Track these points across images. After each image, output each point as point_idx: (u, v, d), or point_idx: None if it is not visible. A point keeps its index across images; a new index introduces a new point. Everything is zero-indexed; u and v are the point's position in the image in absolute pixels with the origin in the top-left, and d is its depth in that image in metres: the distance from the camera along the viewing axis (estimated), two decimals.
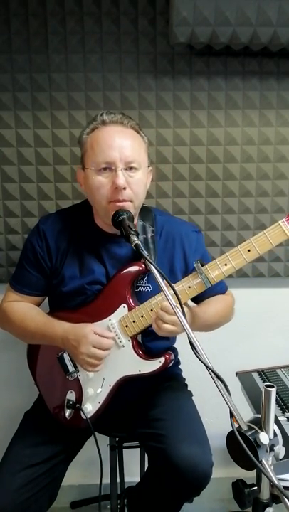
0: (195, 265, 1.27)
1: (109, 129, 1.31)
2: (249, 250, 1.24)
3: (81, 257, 1.41)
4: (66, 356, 1.41)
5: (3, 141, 1.74)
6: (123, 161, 1.28)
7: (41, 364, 1.51)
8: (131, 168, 1.30)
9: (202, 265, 1.27)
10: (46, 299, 1.53)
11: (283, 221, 1.23)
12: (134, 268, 1.36)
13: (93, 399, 1.38)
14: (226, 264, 1.26)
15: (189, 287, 1.29)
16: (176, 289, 1.10)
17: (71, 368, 1.41)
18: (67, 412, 1.39)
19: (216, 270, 1.27)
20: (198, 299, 1.47)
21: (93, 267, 1.40)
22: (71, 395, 1.41)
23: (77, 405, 1.39)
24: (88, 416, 1.37)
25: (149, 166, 1.41)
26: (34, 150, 1.75)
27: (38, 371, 1.52)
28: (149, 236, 1.43)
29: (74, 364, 1.41)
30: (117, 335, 1.35)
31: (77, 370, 1.41)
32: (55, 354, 1.43)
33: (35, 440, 1.39)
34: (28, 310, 1.45)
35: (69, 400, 1.40)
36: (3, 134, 1.74)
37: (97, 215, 1.41)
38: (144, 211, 1.47)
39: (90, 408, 1.38)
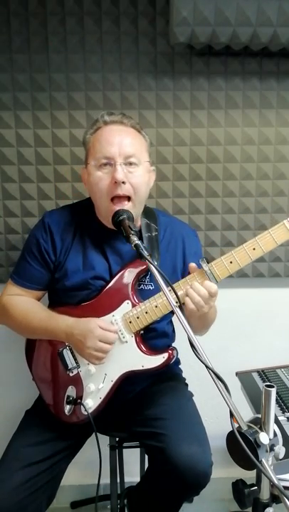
0: (201, 262, 1.28)
1: (110, 128, 1.36)
2: (254, 248, 1.27)
3: (85, 252, 1.43)
4: (66, 352, 1.42)
5: (3, 141, 1.74)
6: (122, 155, 1.31)
7: (39, 360, 1.51)
8: (131, 163, 1.33)
9: (208, 262, 1.28)
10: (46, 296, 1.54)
11: (288, 220, 1.26)
12: (138, 265, 1.38)
13: (95, 394, 1.38)
14: (231, 262, 1.28)
15: None
16: (176, 287, 1.11)
17: (71, 364, 1.41)
18: (67, 408, 1.40)
19: (222, 268, 1.28)
20: None
21: (97, 262, 1.42)
22: (71, 391, 1.41)
23: (78, 401, 1.39)
24: (89, 411, 1.37)
25: (151, 165, 1.43)
26: (34, 150, 1.75)
27: (36, 367, 1.53)
28: (153, 234, 1.45)
29: (75, 360, 1.41)
30: (120, 330, 1.36)
31: (78, 366, 1.41)
32: (54, 350, 1.44)
33: (36, 439, 1.39)
34: (31, 305, 1.46)
35: (69, 396, 1.41)
36: (3, 134, 1.74)
37: (99, 213, 1.43)
38: (148, 211, 1.50)
39: (91, 404, 1.38)
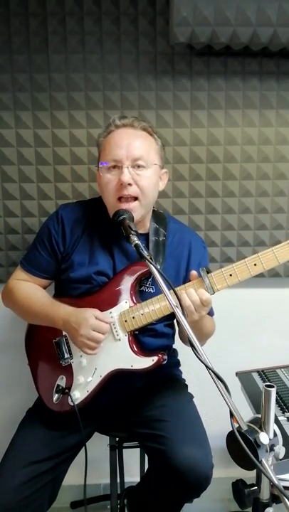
0: (201, 271, 1.29)
1: (120, 131, 1.39)
2: (255, 264, 1.27)
3: (92, 247, 1.46)
4: (62, 342, 1.44)
5: (3, 141, 1.74)
6: (130, 158, 1.34)
7: (37, 346, 1.53)
8: (139, 166, 1.35)
9: (208, 273, 1.29)
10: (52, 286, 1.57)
11: None
12: (141, 267, 1.39)
13: (83, 387, 1.40)
14: (230, 275, 1.28)
15: None
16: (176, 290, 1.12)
17: (66, 355, 1.43)
18: (55, 397, 1.43)
19: (220, 279, 1.28)
20: None
21: (102, 259, 1.44)
22: (61, 381, 1.44)
23: (66, 390, 1.41)
24: (76, 402, 1.38)
25: (162, 167, 1.45)
26: (34, 150, 1.75)
27: (33, 352, 1.54)
28: (161, 239, 1.47)
29: (69, 351, 1.43)
30: (115, 328, 1.37)
31: (71, 357, 1.43)
32: (51, 338, 1.46)
33: (38, 437, 1.39)
34: (35, 290, 1.49)
35: (59, 385, 1.43)
36: (3, 134, 1.74)
37: (108, 212, 1.44)
38: (159, 216, 1.53)
39: (77, 395, 1.40)
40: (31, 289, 1.49)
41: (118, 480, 1.68)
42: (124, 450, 1.67)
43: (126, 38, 1.69)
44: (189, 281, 1.32)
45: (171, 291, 1.14)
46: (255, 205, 1.85)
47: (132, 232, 1.26)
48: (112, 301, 1.39)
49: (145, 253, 1.19)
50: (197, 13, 1.50)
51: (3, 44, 1.67)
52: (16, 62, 1.69)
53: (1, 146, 1.74)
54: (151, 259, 1.19)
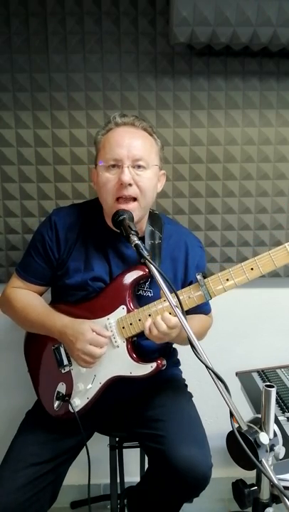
0: (197, 277, 1.27)
1: (121, 130, 1.36)
2: (252, 269, 1.24)
3: (87, 253, 1.43)
4: (62, 349, 1.43)
5: (3, 141, 1.74)
6: (130, 158, 1.32)
7: (37, 353, 1.53)
8: (139, 166, 1.33)
9: (204, 277, 1.27)
10: (49, 291, 1.55)
11: None
12: (137, 271, 1.37)
13: (82, 394, 1.40)
14: (227, 280, 1.26)
15: (189, 297, 1.29)
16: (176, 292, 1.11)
17: (65, 362, 1.43)
18: (56, 404, 1.42)
19: (217, 284, 1.26)
20: None
21: (98, 264, 1.42)
22: (62, 387, 1.43)
23: (66, 398, 1.41)
24: (76, 410, 1.38)
25: (161, 169, 1.43)
26: (34, 150, 1.75)
27: (32, 360, 1.54)
28: (156, 242, 1.45)
29: (68, 358, 1.43)
30: (113, 335, 1.36)
31: (70, 364, 1.42)
32: (50, 345, 1.45)
33: (38, 439, 1.39)
34: (31, 299, 1.47)
35: (59, 392, 1.43)
36: (3, 134, 1.74)
37: (105, 213, 1.42)
38: (154, 217, 1.50)
39: (78, 402, 1.40)
40: (28, 298, 1.47)
41: (118, 480, 1.68)
42: (124, 450, 1.67)
43: (126, 38, 1.69)
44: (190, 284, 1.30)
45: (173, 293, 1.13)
46: (255, 205, 1.85)
47: (132, 232, 1.25)
48: (109, 307, 1.37)
49: (145, 253, 1.18)
50: (197, 13, 1.50)
51: (3, 44, 1.67)
52: (16, 62, 1.69)
53: (1, 146, 1.74)
54: (151, 258, 1.18)
